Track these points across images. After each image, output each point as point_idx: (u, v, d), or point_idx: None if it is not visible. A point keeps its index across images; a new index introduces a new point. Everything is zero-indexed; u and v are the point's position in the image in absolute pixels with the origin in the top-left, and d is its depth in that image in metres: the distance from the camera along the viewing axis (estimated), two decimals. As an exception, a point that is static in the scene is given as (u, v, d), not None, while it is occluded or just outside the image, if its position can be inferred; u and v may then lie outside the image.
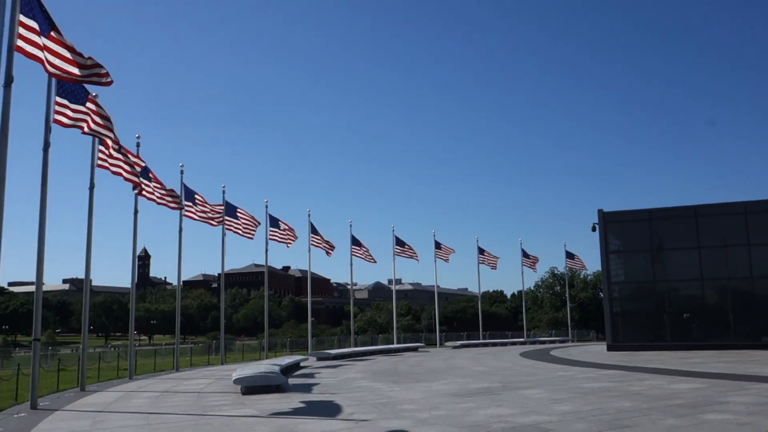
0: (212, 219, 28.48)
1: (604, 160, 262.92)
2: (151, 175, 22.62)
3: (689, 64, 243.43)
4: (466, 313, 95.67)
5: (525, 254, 51.70)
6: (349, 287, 54.73)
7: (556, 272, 77.26)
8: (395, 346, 40.62)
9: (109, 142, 17.50)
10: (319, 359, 30.39)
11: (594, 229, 34.62)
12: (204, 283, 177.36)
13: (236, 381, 15.74)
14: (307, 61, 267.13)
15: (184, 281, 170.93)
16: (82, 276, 18.32)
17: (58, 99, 14.99)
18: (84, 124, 15.57)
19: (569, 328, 59.04)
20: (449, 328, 79.85)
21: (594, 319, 65.57)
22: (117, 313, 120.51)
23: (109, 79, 13.32)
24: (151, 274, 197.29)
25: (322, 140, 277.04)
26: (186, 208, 26.78)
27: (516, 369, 22.43)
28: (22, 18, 12.56)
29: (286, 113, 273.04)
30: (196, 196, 27.37)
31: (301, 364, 26.25)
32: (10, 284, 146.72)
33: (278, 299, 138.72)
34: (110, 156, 18.81)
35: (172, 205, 24.76)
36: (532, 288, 79.95)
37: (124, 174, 19.38)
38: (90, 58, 13.19)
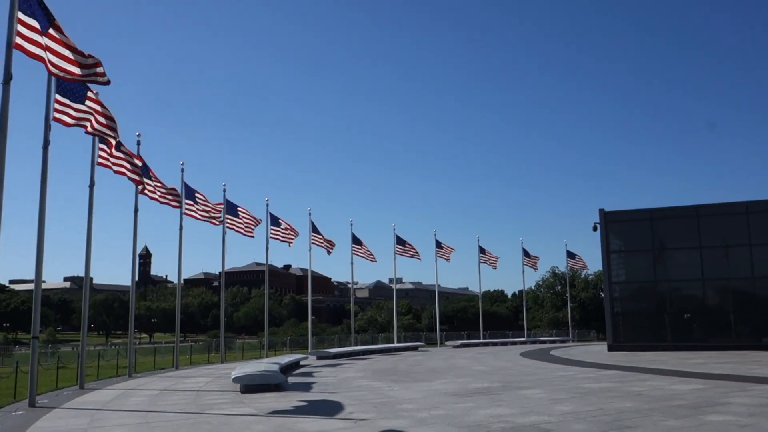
0: (214, 218, 28.50)
1: (606, 160, 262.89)
2: (151, 174, 22.65)
3: (691, 64, 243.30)
4: (466, 312, 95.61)
5: (526, 253, 51.66)
6: (350, 286, 54.74)
7: (557, 272, 77.23)
8: (395, 345, 40.60)
9: (113, 142, 17.51)
10: (319, 358, 30.36)
11: (595, 229, 34.56)
12: (205, 281, 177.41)
13: (235, 380, 15.70)
14: (308, 60, 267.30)
15: (185, 279, 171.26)
16: (83, 274, 18.30)
17: (60, 98, 14.94)
18: (87, 124, 15.55)
19: (570, 328, 58.99)
20: (450, 328, 79.79)
21: (595, 319, 65.50)
22: (118, 311, 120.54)
23: (106, 78, 13.33)
24: (153, 273, 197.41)
25: (322, 139, 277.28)
26: (187, 206, 26.78)
27: (516, 369, 22.38)
28: (22, 16, 12.51)
29: (287, 111, 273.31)
30: (197, 194, 27.36)
31: (301, 363, 26.22)
32: (11, 282, 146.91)
33: (279, 298, 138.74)
34: (112, 155, 18.81)
35: (174, 203, 24.87)
36: (533, 287, 79.93)
37: (128, 174, 19.46)
38: (90, 56, 13.14)
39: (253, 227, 30.79)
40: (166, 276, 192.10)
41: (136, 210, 22.25)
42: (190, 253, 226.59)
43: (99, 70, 13.18)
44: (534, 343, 49.36)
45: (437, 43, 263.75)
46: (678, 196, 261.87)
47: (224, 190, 29.94)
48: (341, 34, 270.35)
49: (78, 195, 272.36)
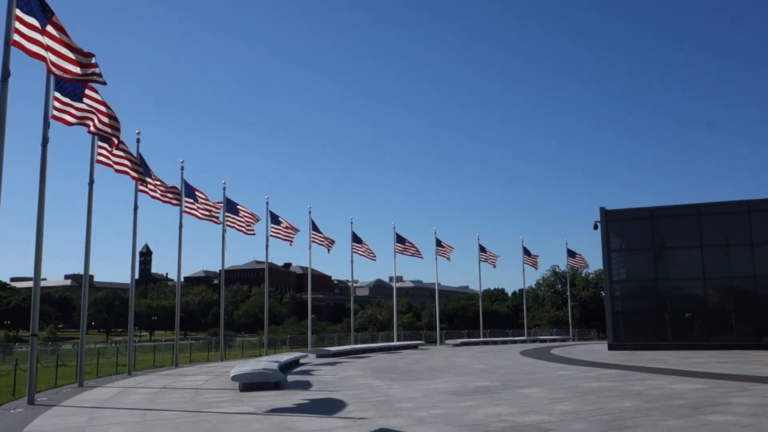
0: (215, 217, 28.50)
1: (606, 158, 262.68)
2: (151, 173, 22.65)
3: (691, 63, 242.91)
4: (466, 310, 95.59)
5: (526, 252, 51.61)
6: (350, 284, 54.68)
7: (557, 270, 77.15)
8: (395, 343, 40.57)
9: (115, 141, 17.51)
10: (319, 356, 30.35)
11: (596, 227, 34.50)
12: (205, 279, 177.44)
13: (234, 378, 15.66)
14: (308, 58, 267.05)
15: (185, 277, 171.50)
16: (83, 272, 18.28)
17: (61, 97, 14.86)
18: (90, 123, 15.50)
19: (570, 327, 58.94)
20: (450, 326, 79.79)
21: (595, 318, 65.43)
22: (118, 309, 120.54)
23: (102, 79, 13.41)
24: (153, 271, 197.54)
25: (322, 137, 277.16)
26: (187, 204, 26.75)
27: (516, 367, 22.34)
28: (20, 14, 12.45)
29: (286, 110, 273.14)
30: (197, 193, 27.32)
31: (301, 362, 26.19)
32: (12, 279, 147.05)
33: (279, 296, 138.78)
34: (113, 154, 18.79)
35: (175, 202, 24.94)
36: (533, 286, 79.88)
37: (130, 172, 19.49)
38: (88, 53, 13.09)
39: (252, 224, 30.77)
40: (167, 274, 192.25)
41: (135, 207, 22.24)
42: (191, 251, 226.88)
43: (96, 70, 13.16)
44: (534, 341, 49.32)
45: (437, 43, 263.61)
46: (679, 195, 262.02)
47: (224, 188, 29.94)
48: (341, 31, 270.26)
49: (79, 193, 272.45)
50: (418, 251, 42.89)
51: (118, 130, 15.98)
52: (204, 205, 27.60)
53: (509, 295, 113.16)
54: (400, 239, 42.26)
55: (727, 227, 32.84)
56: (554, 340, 51.65)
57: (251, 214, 30.73)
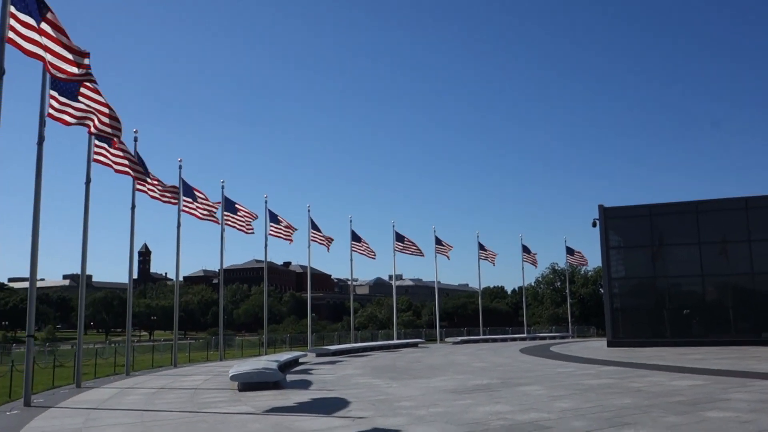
0: (215, 217, 28.44)
1: (605, 156, 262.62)
2: (149, 173, 22.57)
3: (689, 60, 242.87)
4: (466, 308, 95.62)
5: (526, 250, 51.60)
6: (349, 283, 54.69)
7: (556, 268, 77.17)
8: (395, 342, 40.54)
9: (116, 141, 17.45)
10: (318, 355, 30.31)
11: (594, 225, 34.49)
12: (205, 278, 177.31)
13: (233, 378, 15.60)
14: (307, 57, 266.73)
15: (185, 277, 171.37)
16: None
17: (58, 96, 14.76)
18: (90, 123, 15.41)
19: (569, 324, 58.97)
20: (450, 324, 79.81)
21: (594, 315, 65.49)
22: (117, 309, 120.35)
23: (94, 78, 13.45)
24: (153, 270, 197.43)
25: (322, 136, 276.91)
26: (185, 203, 26.68)
27: (515, 365, 22.31)
28: (15, 11, 12.37)
29: (286, 109, 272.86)
30: (197, 192, 27.24)
31: (300, 361, 26.14)
32: (11, 280, 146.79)
33: (279, 295, 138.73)
34: (112, 154, 18.72)
35: (174, 201, 24.89)
36: (533, 284, 79.90)
37: (131, 172, 19.42)
38: (85, 54, 13.02)
39: (250, 222, 30.70)
40: (166, 273, 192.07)
41: (133, 207, 22.15)
42: (190, 250, 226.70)
43: (89, 70, 13.11)
44: (534, 339, 49.35)
45: (437, 42, 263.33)
46: (678, 192, 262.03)
47: (222, 187, 29.88)
48: (339, 30, 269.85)
49: (78, 193, 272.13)
50: (418, 249, 42.84)
51: (120, 130, 15.91)
52: (203, 205, 27.53)
53: (509, 292, 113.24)
54: (399, 237, 42.22)
55: (724, 224, 32.85)
56: (554, 338, 51.69)
57: (249, 213, 30.66)
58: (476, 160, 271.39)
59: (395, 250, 42.03)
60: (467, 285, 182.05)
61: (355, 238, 39.65)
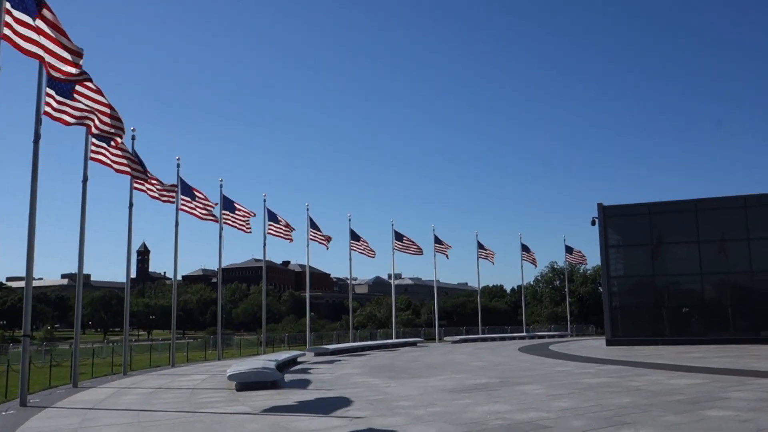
0: (214, 216, 28.37)
1: (605, 156, 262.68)
2: (148, 173, 22.47)
3: (689, 60, 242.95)
4: (465, 307, 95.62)
5: (525, 249, 51.57)
6: (348, 282, 54.63)
7: (555, 267, 77.17)
8: (393, 341, 40.49)
9: (118, 141, 17.37)
10: (317, 354, 30.24)
11: (594, 223, 34.45)
12: (203, 277, 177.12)
13: (230, 377, 15.52)
14: (306, 56, 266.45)
15: (183, 276, 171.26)
16: (79, 271, 18.09)
17: (55, 95, 14.65)
18: (90, 123, 15.31)
19: (568, 323, 58.98)
20: (449, 323, 79.82)
21: (593, 314, 65.46)
22: (116, 308, 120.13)
23: (88, 76, 13.40)
24: (151, 269, 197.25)
25: (321, 136, 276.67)
26: (183, 202, 26.59)
27: (514, 364, 22.26)
28: (10, 8, 12.27)
29: (286, 109, 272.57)
30: (195, 192, 27.15)
31: (298, 360, 26.08)
32: (8, 279, 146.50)
33: (278, 294, 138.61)
34: (112, 153, 18.63)
35: (173, 200, 24.79)
36: (532, 283, 79.94)
37: (132, 172, 19.33)
38: (79, 54, 12.93)
39: (248, 220, 30.62)
40: (165, 273, 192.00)
41: (131, 205, 22.04)
42: (189, 249, 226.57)
43: (83, 69, 13.03)
44: (533, 338, 49.32)
45: (436, 42, 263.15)
46: (677, 192, 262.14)
47: (221, 186, 29.81)
48: (338, 29, 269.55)
49: (76, 192, 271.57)
50: (418, 248, 42.78)
51: (122, 129, 15.80)
52: (203, 204, 27.43)
53: (508, 291, 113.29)
54: (398, 236, 42.16)
55: (723, 222, 32.83)
56: (553, 336, 51.68)
57: (247, 211, 30.58)
58: (476, 160, 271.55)
59: (394, 248, 41.98)
60: (466, 284, 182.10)
61: (354, 237, 39.57)
